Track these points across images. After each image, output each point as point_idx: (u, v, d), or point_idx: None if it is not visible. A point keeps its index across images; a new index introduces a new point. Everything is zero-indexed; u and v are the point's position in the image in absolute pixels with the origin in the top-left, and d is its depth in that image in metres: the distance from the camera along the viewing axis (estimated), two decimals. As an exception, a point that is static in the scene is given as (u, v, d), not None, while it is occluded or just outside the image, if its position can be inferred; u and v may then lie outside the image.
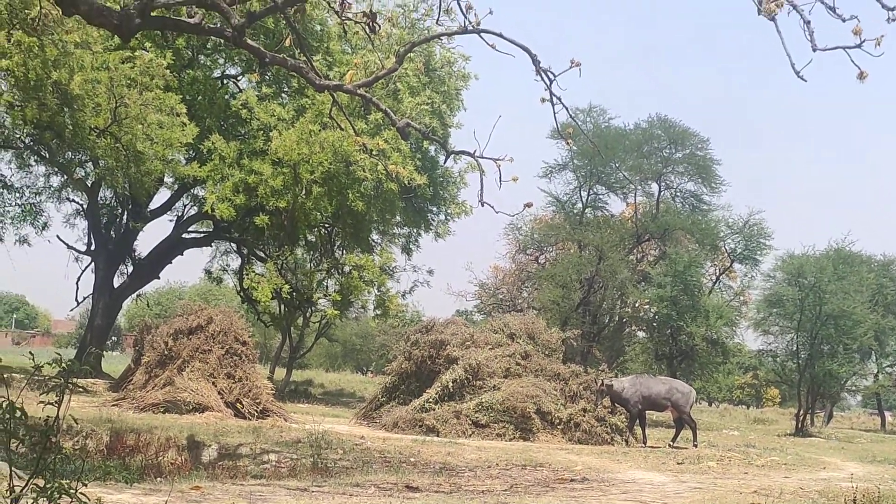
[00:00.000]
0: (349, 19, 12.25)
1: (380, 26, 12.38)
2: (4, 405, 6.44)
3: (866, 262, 57.35)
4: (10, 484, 6.23)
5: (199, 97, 38.13)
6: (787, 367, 53.75)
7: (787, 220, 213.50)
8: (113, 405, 25.73)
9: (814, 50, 8.23)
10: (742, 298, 60.77)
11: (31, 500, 6.05)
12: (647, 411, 29.56)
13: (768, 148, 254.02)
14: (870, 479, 19.19)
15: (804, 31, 8.02)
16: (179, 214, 44.85)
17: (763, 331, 54.29)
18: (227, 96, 40.17)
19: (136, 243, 44.53)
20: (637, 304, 56.94)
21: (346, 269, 39.83)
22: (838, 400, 74.29)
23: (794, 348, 51.06)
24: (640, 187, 57.19)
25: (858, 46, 7.97)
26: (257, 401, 26.39)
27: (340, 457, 18.16)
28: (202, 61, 40.04)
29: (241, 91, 40.41)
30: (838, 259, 51.61)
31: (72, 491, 5.77)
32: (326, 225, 42.44)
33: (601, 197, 57.78)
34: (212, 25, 13.42)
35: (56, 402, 6.25)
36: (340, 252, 43.08)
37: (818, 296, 46.73)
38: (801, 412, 49.84)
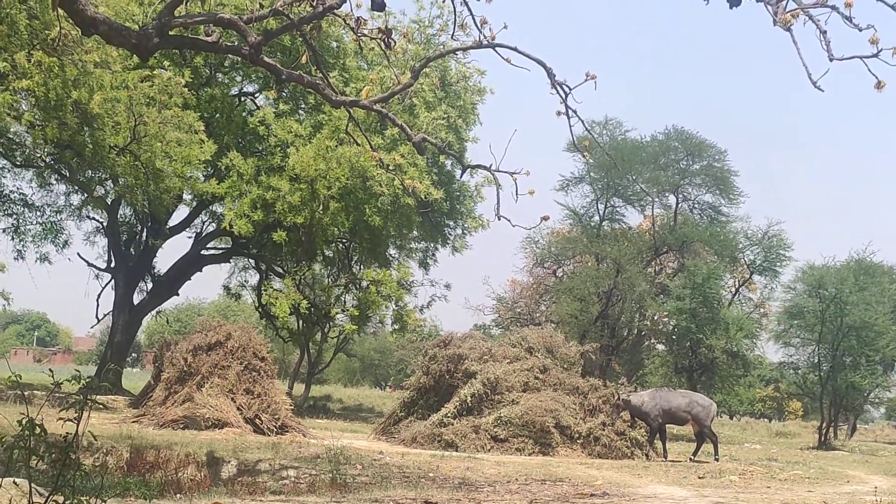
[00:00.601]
0: (365, 36, 12.30)
1: (395, 42, 12.44)
2: (24, 422, 6.48)
3: (888, 272, 57.11)
4: (29, 500, 6.27)
5: (217, 115, 38.28)
6: (809, 379, 53.51)
7: (807, 231, 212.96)
8: (133, 422, 25.78)
9: (830, 60, 8.24)
10: (762, 310, 60.69)
11: (51, 517, 6.07)
12: (667, 425, 29.47)
13: (787, 159, 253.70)
14: (894, 493, 19.14)
15: (820, 42, 8.04)
16: (198, 231, 45.00)
17: (784, 343, 54.14)
18: (244, 113, 40.33)
19: (155, 260, 44.75)
20: (656, 317, 56.88)
21: (364, 283, 39.85)
22: (861, 412, 74.00)
23: (816, 360, 50.87)
24: (657, 199, 57.15)
25: (875, 56, 7.98)
26: (276, 416, 26.41)
27: (359, 472, 18.17)
28: (220, 79, 40.19)
29: (258, 108, 40.55)
30: (859, 270, 51.41)
31: (91, 508, 5.79)
32: (344, 240, 42.52)
33: (618, 209, 57.79)
34: (229, 44, 13.50)
35: (75, 418, 6.29)
36: (358, 267, 43.14)
37: (839, 307, 46.55)
38: (824, 425, 49.66)
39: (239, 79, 41.66)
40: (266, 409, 26.50)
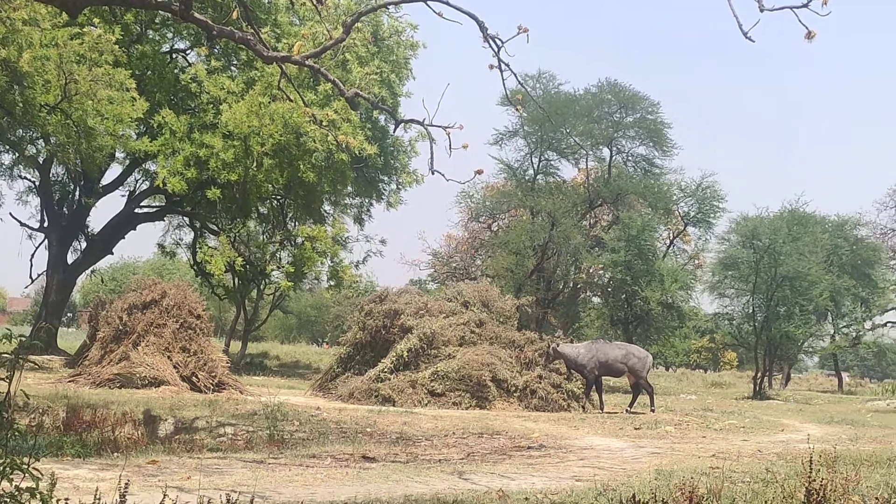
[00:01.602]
0: (296, -10, 12.28)
1: (327, -2, 12.42)
2: (-44, 384, 6.46)
3: (820, 222, 57.79)
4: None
5: (149, 72, 37.90)
6: (744, 329, 54.08)
7: (741, 182, 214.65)
8: (69, 381, 25.62)
9: (761, 10, 8.31)
10: (697, 262, 61.23)
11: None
12: (603, 377, 29.67)
13: (723, 111, 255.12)
14: (827, 440, 19.44)
15: None
16: (131, 189, 44.59)
17: (718, 294, 54.74)
18: (176, 70, 39.99)
19: (88, 219, 44.29)
20: (591, 270, 57.16)
21: (299, 240, 39.73)
22: (795, 362, 74.90)
23: (751, 311, 51.41)
24: (591, 152, 57.34)
25: (805, 6, 8.05)
26: (213, 374, 26.35)
27: (296, 428, 18.21)
28: (151, 36, 39.78)
29: (190, 65, 40.22)
30: (792, 220, 51.94)
31: (24, 466, 5.80)
32: (278, 197, 42.36)
33: (552, 163, 57.94)
34: (159, 0, 13.38)
35: (7, 377, 6.29)
36: (293, 224, 43.01)
37: (773, 257, 47.01)
38: (759, 375, 50.21)
39: (170, 35, 41.23)
40: (202, 366, 26.43)
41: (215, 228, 42.50)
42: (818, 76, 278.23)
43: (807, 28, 8.20)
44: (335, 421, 19.58)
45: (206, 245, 40.47)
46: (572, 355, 28.42)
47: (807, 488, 8.60)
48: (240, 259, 37.98)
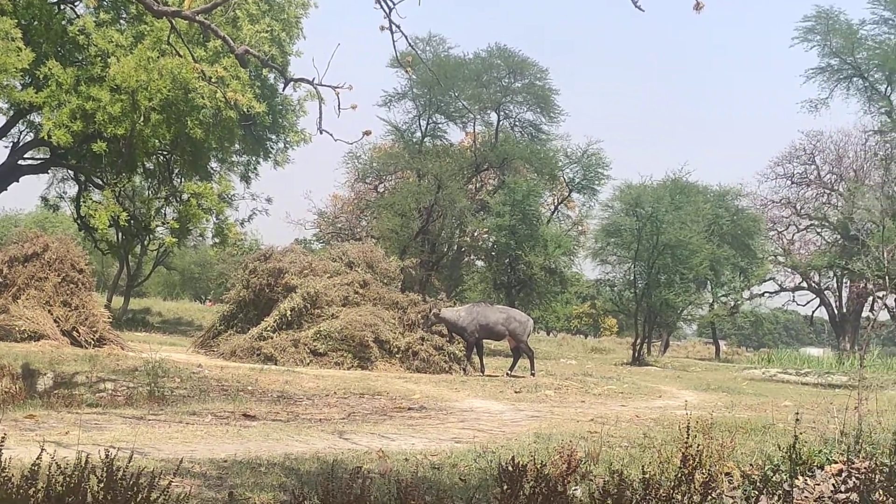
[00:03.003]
0: (187, -55, 12.16)
1: (218, -47, 12.31)
2: None
3: (702, 192, 58.56)
4: None
5: (35, 22, 37.18)
6: (625, 296, 54.71)
7: (626, 150, 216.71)
8: (-55, 334, 25.26)
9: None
10: (580, 228, 61.76)
11: None
12: (484, 340, 29.92)
13: (609, 79, 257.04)
14: (703, 407, 19.77)
15: None
16: (15, 141, 43.72)
17: (601, 260, 55.25)
18: (64, 22, 39.21)
19: (-31, 170, 43.46)
20: (476, 234, 57.49)
21: (185, 196, 39.48)
22: (674, 329, 75.84)
23: (632, 278, 51.98)
24: (479, 116, 57.52)
25: (692, -24, 8.12)
26: (94, 329, 26.08)
27: (177, 385, 18.14)
28: (37, -15, 39.08)
29: (78, 17, 39.45)
30: (675, 189, 52.57)
31: None
32: (165, 152, 42.02)
33: (440, 126, 58.11)
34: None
35: None
36: (179, 180, 42.73)
37: (655, 225, 47.51)
38: (638, 341, 50.78)
39: (58, -15, 40.56)
40: (84, 321, 26.15)
41: (100, 182, 42.00)
42: (705, 48, 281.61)
43: None
44: (216, 378, 19.54)
45: (91, 199, 39.97)
46: (453, 318, 28.63)
47: (683, 454, 8.80)
48: (124, 214, 37.56)
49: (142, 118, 35.39)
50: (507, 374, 28.38)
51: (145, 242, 45.96)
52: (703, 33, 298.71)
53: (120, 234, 43.24)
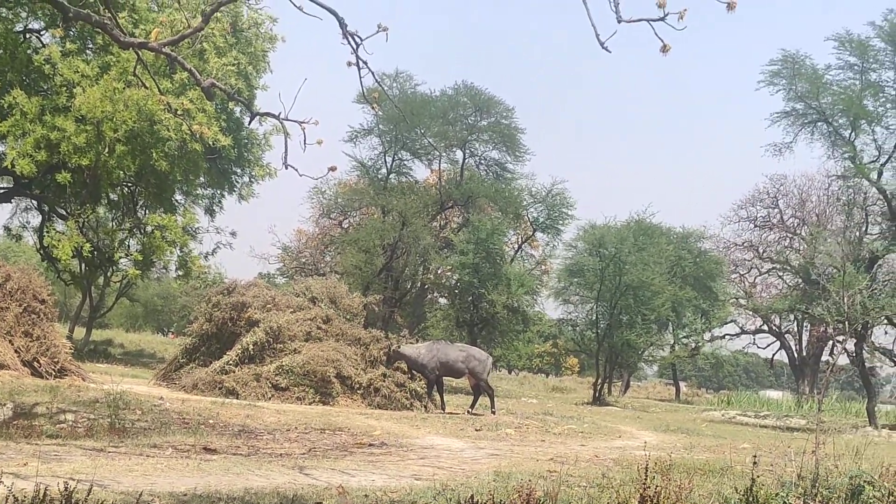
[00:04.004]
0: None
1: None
2: None
3: (666, 234, 58.99)
4: None
5: (0, 51, 37.14)
6: (587, 336, 54.94)
7: (590, 190, 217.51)
8: None
9: (619, 21, 8.45)
10: (543, 267, 61.92)
11: None
12: (444, 377, 30.00)
13: (575, 121, 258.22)
14: (662, 448, 19.86)
15: (610, 3, 8.25)
16: (-23, 170, 43.65)
17: (563, 300, 55.48)
18: (29, 51, 39.08)
19: (-69, 199, 43.22)
20: (439, 271, 57.61)
21: (149, 228, 39.34)
22: (635, 369, 76.28)
23: (594, 318, 52.25)
24: (444, 154, 57.76)
25: (662, 19, 8.20)
26: (55, 360, 25.92)
27: (138, 417, 18.06)
28: (4, 14, 38.89)
29: (44, 46, 39.36)
30: (638, 230, 52.89)
31: None
32: (129, 184, 41.90)
33: (406, 163, 58.28)
34: (14, -20, 13.24)
35: None
36: (143, 211, 42.63)
37: (618, 266, 47.81)
38: (599, 381, 50.99)
39: (24, 15, 40.34)
40: (45, 352, 25.99)
41: (64, 213, 41.82)
42: (670, 90, 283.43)
43: (662, 41, 8.38)
44: (178, 411, 19.47)
45: (54, 229, 39.76)
46: (413, 355, 28.76)
47: (641, 495, 8.87)
48: (87, 245, 37.41)
49: (107, 149, 35.27)
50: (468, 411, 28.51)
51: (108, 274, 45.75)
52: (670, 75, 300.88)
53: (83, 265, 43.07)
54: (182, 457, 13.32)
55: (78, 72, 35.73)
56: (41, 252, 44.19)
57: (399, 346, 29.17)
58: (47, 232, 39.50)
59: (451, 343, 31.35)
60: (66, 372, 25.86)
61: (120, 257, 41.27)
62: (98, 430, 16.22)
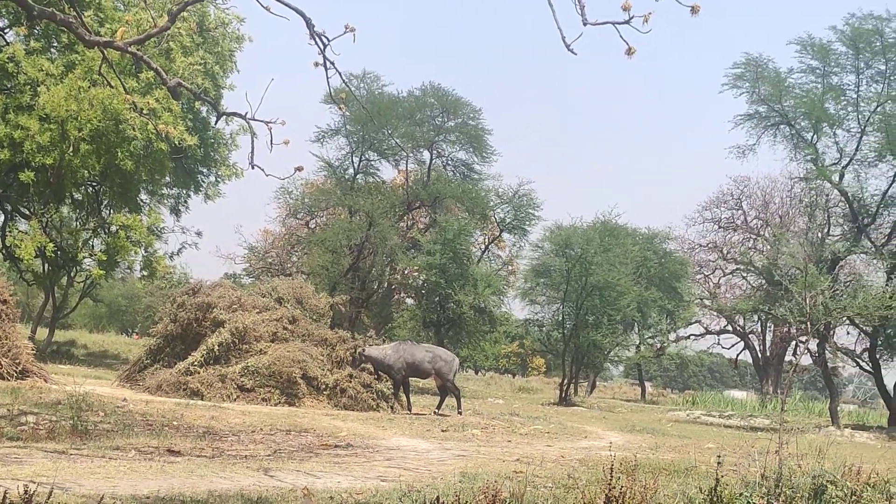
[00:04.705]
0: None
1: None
2: None
3: (631, 234, 59.08)
4: None
5: (-37, 49, 36.90)
6: (553, 336, 55.06)
7: (557, 191, 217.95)
8: None
9: (584, 24, 8.44)
10: (510, 268, 61.98)
11: None
12: (411, 378, 30.01)
13: (541, 123, 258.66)
14: (628, 448, 19.90)
15: (575, 6, 8.23)
16: (-61, 168, 43.33)
17: (530, 300, 55.49)
18: (-8, 49, 38.94)
19: None
20: (406, 271, 57.52)
21: (113, 228, 39.10)
22: (601, 370, 76.40)
23: (560, 318, 52.30)
24: (412, 154, 57.65)
25: (627, 22, 8.20)
26: (17, 361, 25.71)
27: (101, 419, 17.94)
28: (-34, 12, 38.74)
29: (7, 44, 39.08)
30: (604, 231, 52.92)
31: None
32: (94, 183, 41.68)
33: (373, 163, 58.14)
34: (-23, -22, 13.11)
35: None
36: (108, 211, 42.35)
37: (584, 267, 47.89)
38: (565, 381, 51.06)
39: (-13, 13, 40.19)
40: (6, 353, 25.77)
41: (27, 212, 41.54)
42: (635, 93, 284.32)
43: (628, 44, 8.38)
44: (141, 413, 19.37)
45: (17, 229, 39.51)
46: (379, 357, 28.77)
47: (606, 495, 8.87)
48: (51, 245, 37.13)
49: (71, 148, 35.05)
50: (435, 412, 28.53)
51: (72, 274, 45.46)
52: (635, 78, 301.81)
53: (46, 265, 42.76)
54: (145, 459, 13.23)
55: (42, 70, 35.49)
56: (3, 252, 43.84)
57: (365, 349, 29.13)
58: (10, 232, 39.28)
59: (417, 344, 31.36)
60: (28, 373, 25.65)
61: (84, 257, 41.04)
62: (60, 432, 16.09)
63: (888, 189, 41.91)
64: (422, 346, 30.86)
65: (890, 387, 43.76)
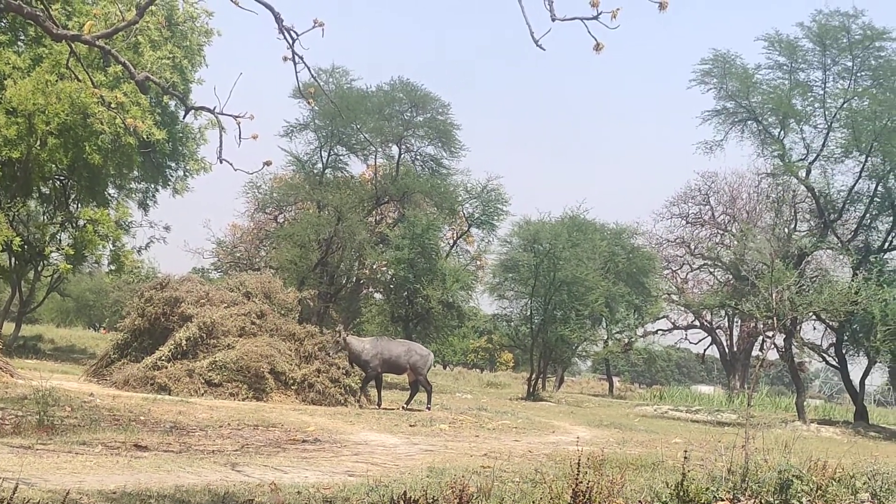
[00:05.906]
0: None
1: (120, -19, 12.24)
2: None
3: (599, 230, 59.14)
4: None
5: (-73, 42, 36.67)
6: (521, 331, 55.17)
7: (525, 186, 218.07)
8: None
9: (553, 20, 8.44)
10: (478, 263, 62.04)
11: None
12: (384, 373, 30.11)
13: (511, 116, 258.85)
14: (595, 443, 20.00)
15: (544, 1, 8.24)
16: None
17: (498, 295, 55.59)
18: (-42, 42, 38.73)
19: None
20: (375, 266, 57.42)
21: (81, 222, 39.01)
22: (569, 365, 76.52)
23: (528, 313, 52.44)
24: (380, 149, 57.50)
25: (595, 18, 8.21)
26: (-18, 355, 25.70)
27: (68, 414, 17.88)
28: (-69, 4, 38.39)
29: (-27, 37, 39.01)
30: (573, 226, 53.00)
31: None
32: (61, 177, 41.51)
33: (342, 158, 58.00)
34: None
35: None
36: (75, 205, 42.20)
37: (552, 262, 48.01)
38: (534, 376, 51.19)
39: (-47, 6, 39.86)
40: (-28, 348, 25.78)
41: (-7, 206, 41.40)
42: (603, 88, 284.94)
43: (596, 40, 8.40)
44: (108, 408, 19.31)
45: (-17, 223, 39.36)
46: (358, 349, 28.88)
47: (574, 490, 8.91)
48: (18, 239, 36.96)
49: (38, 142, 34.94)
50: (404, 407, 28.60)
51: (39, 268, 45.22)
52: (603, 73, 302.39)
53: (13, 259, 42.53)
54: (112, 454, 13.20)
55: (9, 63, 35.33)
56: (-31, 246, 43.74)
57: (347, 336, 29.26)
58: (-24, 225, 39.06)
59: (393, 339, 31.57)
60: (-5, 368, 25.57)
61: (51, 251, 40.88)
62: (26, 427, 16.03)
63: (854, 185, 42.18)
64: (398, 342, 31.09)
65: (856, 382, 44.06)
